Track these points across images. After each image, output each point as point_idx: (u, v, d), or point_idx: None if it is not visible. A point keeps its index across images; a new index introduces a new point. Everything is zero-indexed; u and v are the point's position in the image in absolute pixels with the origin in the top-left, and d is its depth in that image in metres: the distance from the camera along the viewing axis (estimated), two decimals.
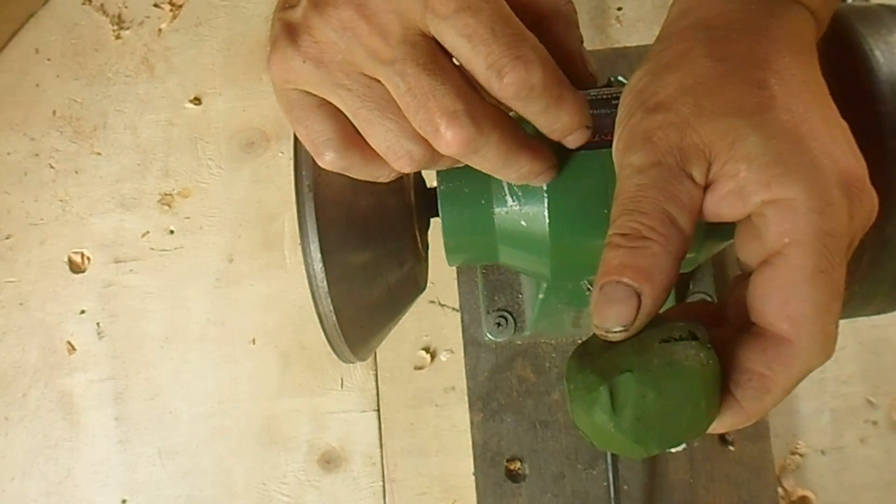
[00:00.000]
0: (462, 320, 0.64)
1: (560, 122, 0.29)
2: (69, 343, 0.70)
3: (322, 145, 0.29)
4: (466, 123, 0.27)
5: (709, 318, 0.31)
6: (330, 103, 0.28)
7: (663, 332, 0.27)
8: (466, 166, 0.41)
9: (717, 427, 0.28)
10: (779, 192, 0.25)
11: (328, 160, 0.29)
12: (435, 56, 0.27)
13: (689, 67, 0.28)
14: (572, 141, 0.30)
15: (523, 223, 0.38)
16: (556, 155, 0.31)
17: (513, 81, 0.27)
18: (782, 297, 0.25)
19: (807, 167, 0.25)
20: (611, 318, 0.27)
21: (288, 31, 0.28)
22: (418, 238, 0.39)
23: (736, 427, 0.27)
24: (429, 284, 0.49)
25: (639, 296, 0.27)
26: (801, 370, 0.26)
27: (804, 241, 0.25)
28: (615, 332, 0.27)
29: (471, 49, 0.26)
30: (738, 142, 0.26)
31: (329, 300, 0.35)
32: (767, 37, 0.28)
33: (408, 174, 0.37)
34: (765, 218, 0.26)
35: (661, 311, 0.29)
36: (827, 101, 0.27)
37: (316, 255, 0.35)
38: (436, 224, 0.41)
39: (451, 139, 0.27)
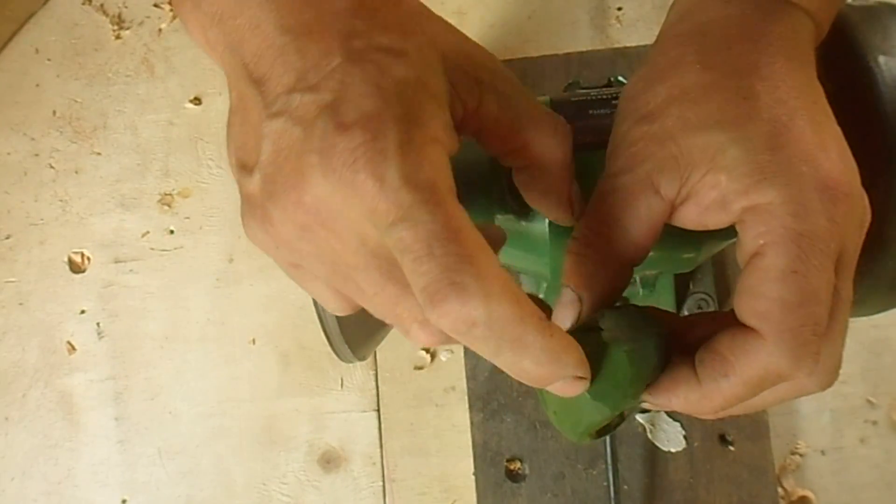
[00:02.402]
0: None
1: (524, 373, 0.24)
2: (69, 343, 0.70)
3: (325, 304, 0.28)
4: (436, 331, 0.24)
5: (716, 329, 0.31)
6: None
7: None
8: (465, 167, 0.41)
9: (672, 402, 0.28)
10: (756, 199, 0.25)
11: (334, 313, 0.29)
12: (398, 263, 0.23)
13: (679, 77, 0.28)
14: (557, 390, 0.25)
15: (523, 223, 0.38)
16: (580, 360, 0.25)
17: (446, 313, 0.22)
18: (753, 294, 0.26)
19: (784, 173, 0.25)
20: (559, 320, 0.28)
21: (250, 205, 0.25)
22: None
23: (691, 406, 0.27)
24: None
25: (581, 300, 0.28)
26: (764, 367, 0.25)
27: (777, 242, 0.25)
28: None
29: (407, 266, 0.22)
30: (719, 154, 0.26)
31: None
32: (762, 42, 0.28)
33: None
34: (744, 224, 0.26)
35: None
36: (818, 107, 0.27)
37: None
38: None
39: (425, 340, 0.25)
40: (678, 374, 0.28)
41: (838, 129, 0.27)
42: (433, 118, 0.24)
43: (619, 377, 0.27)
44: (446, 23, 0.27)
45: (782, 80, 0.27)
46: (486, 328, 0.22)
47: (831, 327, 0.26)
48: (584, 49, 0.69)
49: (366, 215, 0.23)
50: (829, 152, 0.26)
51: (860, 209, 0.26)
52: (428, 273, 0.22)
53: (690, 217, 0.28)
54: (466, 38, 0.27)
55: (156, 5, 0.76)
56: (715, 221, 0.27)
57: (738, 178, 0.25)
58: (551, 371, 0.24)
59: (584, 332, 0.27)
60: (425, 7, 0.27)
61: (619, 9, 0.72)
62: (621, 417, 0.29)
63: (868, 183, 0.27)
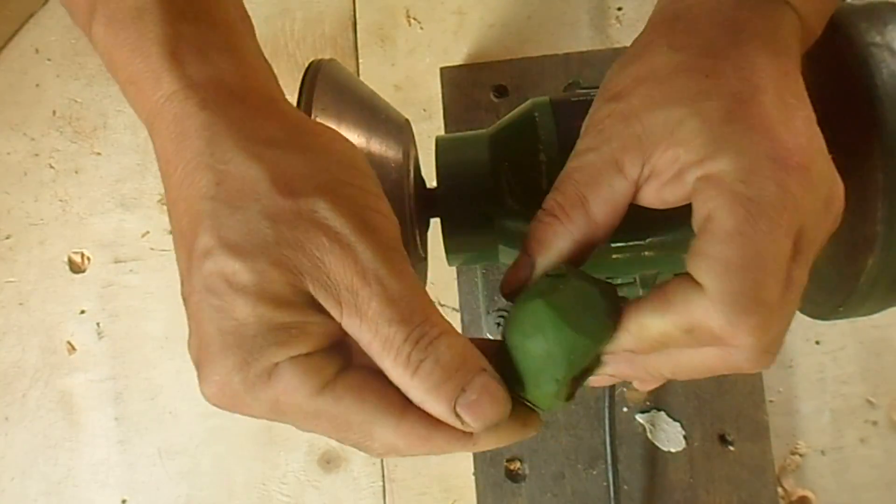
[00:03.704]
0: (462, 320, 0.64)
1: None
2: (69, 343, 0.70)
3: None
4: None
5: None
6: None
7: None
8: (466, 166, 0.41)
9: (620, 339, 0.28)
10: (709, 168, 0.26)
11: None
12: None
13: (649, 58, 0.29)
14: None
15: (523, 223, 0.38)
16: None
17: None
18: (700, 253, 0.26)
19: (737, 143, 0.25)
20: (506, 282, 0.30)
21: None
22: (418, 238, 0.39)
23: (631, 339, 0.27)
24: (429, 284, 0.49)
25: (532, 266, 0.29)
26: (699, 320, 0.25)
27: (724, 205, 0.25)
28: (506, 293, 0.30)
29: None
30: (677, 128, 0.26)
31: None
32: (733, 28, 0.28)
33: (407, 174, 0.37)
34: (697, 192, 0.26)
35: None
36: (789, 90, 0.27)
37: None
38: (436, 224, 0.41)
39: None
40: (625, 311, 0.28)
41: (810, 114, 0.27)
42: (276, 347, 0.24)
43: (596, 309, 0.27)
44: (311, 222, 0.25)
45: (750, 62, 0.27)
46: None
47: (778, 306, 0.26)
48: (584, 49, 0.69)
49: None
50: (790, 127, 0.26)
51: (822, 188, 0.26)
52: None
53: (651, 195, 0.28)
54: (340, 243, 0.25)
55: None
56: (672, 196, 0.27)
57: (694, 150, 0.26)
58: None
59: (554, 277, 0.28)
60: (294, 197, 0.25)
61: (619, 9, 0.72)
62: (587, 372, 0.29)
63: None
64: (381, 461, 0.66)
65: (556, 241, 0.29)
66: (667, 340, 0.27)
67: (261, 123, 0.26)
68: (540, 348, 0.27)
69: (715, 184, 0.25)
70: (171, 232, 0.27)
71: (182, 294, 0.26)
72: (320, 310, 0.25)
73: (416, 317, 0.25)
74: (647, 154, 0.27)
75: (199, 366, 0.25)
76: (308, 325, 0.25)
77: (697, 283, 0.25)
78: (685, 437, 0.61)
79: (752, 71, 0.27)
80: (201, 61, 0.26)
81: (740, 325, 0.25)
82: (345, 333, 0.26)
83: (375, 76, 0.73)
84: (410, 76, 0.73)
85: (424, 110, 0.72)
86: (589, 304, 0.27)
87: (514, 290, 0.30)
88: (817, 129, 0.27)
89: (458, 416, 0.25)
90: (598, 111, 0.29)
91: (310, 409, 0.25)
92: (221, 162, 0.25)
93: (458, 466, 0.65)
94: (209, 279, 0.24)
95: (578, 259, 0.29)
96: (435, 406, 0.25)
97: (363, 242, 0.25)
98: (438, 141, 0.41)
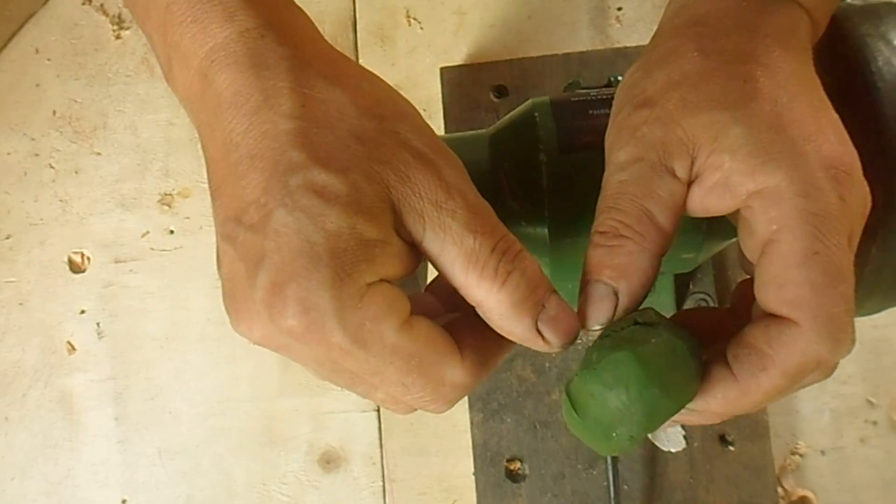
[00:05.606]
0: None
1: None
2: (69, 343, 0.70)
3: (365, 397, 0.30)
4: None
5: (710, 324, 0.31)
6: None
7: (611, 327, 0.28)
8: (466, 166, 0.41)
9: (710, 404, 0.27)
10: (763, 181, 0.25)
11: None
12: None
13: (678, 63, 0.28)
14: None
15: (523, 223, 0.38)
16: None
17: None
18: (779, 282, 0.25)
19: (788, 154, 0.25)
20: (591, 316, 0.28)
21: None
22: None
23: (730, 405, 0.27)
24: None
25: (616, 294, 0.27)
26: (804, 355, 0.25)
27: (792, 225, 0.25)
28: (594, 329, 0.28)
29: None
30: (722, 134, 0.26)
31: None
32: (758, 32, 0.28)
33: None
34: (752, 210, 0.26)
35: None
36: (817, 94, 0.27)
37: None
38: None
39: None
40: (712, 374, 0.27)
41: (836, 116, 0.27)
42: (367, 264, 0.24)
43: (685, 369, 0.26)
44: (396, 141, 0.26)
45: (780, 68, 0.27)
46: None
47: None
48: (584, 49, 0.69)
49: (323, 357, 0.25)
50: (828, 134, 0.26)
51: (863, 193, 0.26)
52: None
53: (693, 201, 0.27)
54: (423, 160, 0.26)
55: None
56: (718, 205, 0.27)
57: (742, 159, 0.25)
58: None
59: (644, 326, 0.27)
60: (373, 121, 0.26)
61: (619, 9, 0.72)
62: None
63: (864, 168, 0.27)
64: (381, 461, 0.66)
65: (635, 263, 0.27)
66: (775, 393, 0.26)
67: (333, 60, 0.27)
68: (620, 402, 0.26)
69: (773, 201, 0.25)
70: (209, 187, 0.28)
71: (244, 223, 0.25)
72: (401, 234, 0.26)
73: (499, 230, 0.26)
74: (694, 156, 0.27)
75: (277, 288, 0.24)
76: (391, 246, 0.25)
77: (784, 320, 0.25)
78: (685, 437, 0.61)
79: (784, 77, 0.27)
80: (273, 6, 0.28)
81: (844, 342, 0.25)
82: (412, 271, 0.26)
83: None
84: (410, 76, 0.73)
85: (424, 110, 0.72)
86: (678, 363, 0.26)
87: (602, 325, 0.28)
88: (846, 133, 0.27)
89: (539, 333, 0.26)
90: (631, 118, 0.28)
91: (389, 343, 0.25)
92: (306, 87, 0.26)
93: (458, 466, 0.65)
94: (297, 192, 0.24)
95: (654, 274, 0.28)
96: (517, 323, 0.26)
97: (443, 160, 0.26)
98: None
